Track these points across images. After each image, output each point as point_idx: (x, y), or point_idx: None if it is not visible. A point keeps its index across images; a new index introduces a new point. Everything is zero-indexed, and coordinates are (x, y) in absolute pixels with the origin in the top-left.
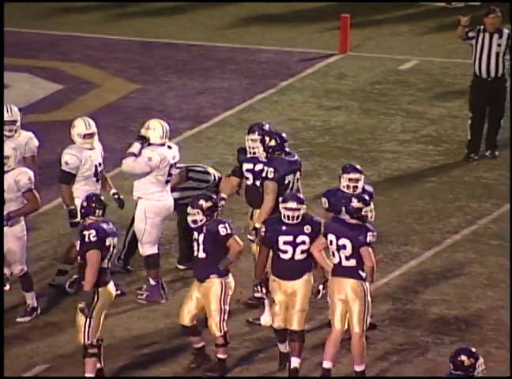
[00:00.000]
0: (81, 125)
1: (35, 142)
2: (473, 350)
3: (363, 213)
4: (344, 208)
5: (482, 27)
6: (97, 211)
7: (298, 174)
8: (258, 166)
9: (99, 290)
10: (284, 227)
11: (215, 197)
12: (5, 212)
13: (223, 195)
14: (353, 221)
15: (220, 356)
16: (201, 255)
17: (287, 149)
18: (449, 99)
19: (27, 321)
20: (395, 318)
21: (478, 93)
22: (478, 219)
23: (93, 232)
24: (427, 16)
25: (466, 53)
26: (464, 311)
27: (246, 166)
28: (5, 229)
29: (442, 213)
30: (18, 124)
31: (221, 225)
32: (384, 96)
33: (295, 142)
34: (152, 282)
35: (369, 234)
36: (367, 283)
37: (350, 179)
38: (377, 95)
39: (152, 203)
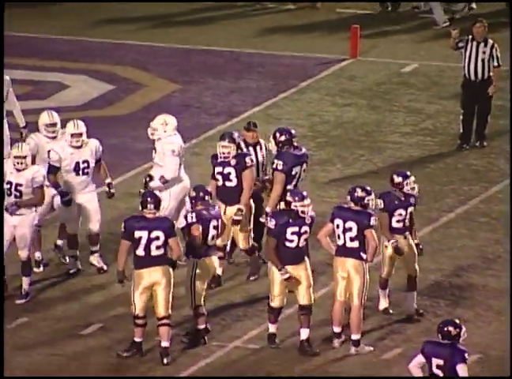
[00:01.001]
0: (71, 126)
1: None
2: (457, 321)
3: (365, 201)
4: (348, 197)
5: (470, 37)
6: (149, 205)
7: (304, 165)
8: (227, 169)
9: (135, 273)
10: (290, 220)
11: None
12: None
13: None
14: (357, 207)
15: (163, 344)
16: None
17: (295, 144)
18: (444, 98)
19: (23, 303)
20: (398, 284)
21: (468, 93)
22: (469, 199)
23: (123, 224)
24: (425, 27)
25: (458, 58)
26: (458, 278)
27: (217, 169)
28: (23, 217)
29: (438, 195)
30: (59, 126)
31: (189, 214)
32: (388, 95)
33: (313, 134)
34: None
35: (372, 218)
36: (367, 264)
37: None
38: (382, 94)
39: (180, 185)
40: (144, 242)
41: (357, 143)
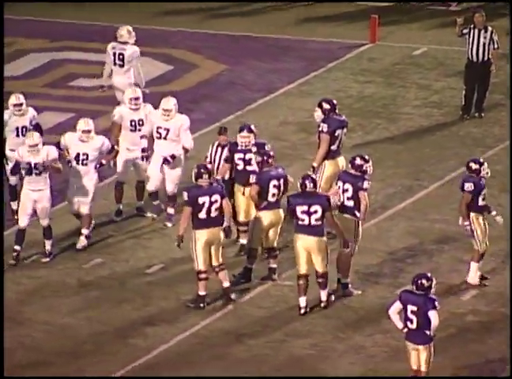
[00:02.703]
0: (81, 123)
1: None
2: (429, 275)
3: (363, 168)
4: (350, 165)
5: (472, 25)
6: (204, 175)
7: (345, 129)
8: (248, 155)
9: (196, 232)
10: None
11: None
12: (44, 180)
13: (218, 177)
14: (356, 173)
15: (225, 285)
16: None
17: (337, 111)
18: (448, 76)
19: (47, 261)
20: (409, 232)
21: (470, 72)
22: None
23: (185, 193)
24: (433, 16)
25: (460, 43)
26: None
27: (238, 155)
28: (42, 192)
29: (443, 157)
30: (141, 100)
31: (251, 175)
32: (402, 73)
33: (339, 107)
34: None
35: (365, 182)
36: (360, 221)
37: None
38: (397, 72)
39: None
40: (206, 205)
41: (376, 114)
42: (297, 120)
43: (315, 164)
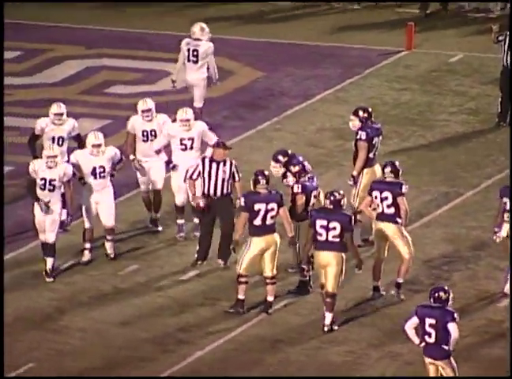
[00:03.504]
0: (91, 137)
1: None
2: (446, 287)
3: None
4: (382, 171)
5: (508, 32)
6: (261, 181)
7: (381, 137)
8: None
9: (252, 239)
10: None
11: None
12: (57, 196)
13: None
14: (390, 179)
15: (269, 299)
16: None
17: (373, 119)
18: (484, 83)
19: (51, 281)
20: (445, 239)
21: (506, 78)
22: (505, 168)
23: (242, 199)
24: (469, 23)
25: (496, 50)
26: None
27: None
28: (52, 207)
29: (479, 164)
30: (152, 111)
31: (295, 185)
32: (438, 80)
33: (374, 114)
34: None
35: (403, 187)
36: (403, 227)
37: None
38: (433, 79)
39: None
40: (262, 213)
41: (411, 121)
42: (333, 126)
43: (355, 173)
